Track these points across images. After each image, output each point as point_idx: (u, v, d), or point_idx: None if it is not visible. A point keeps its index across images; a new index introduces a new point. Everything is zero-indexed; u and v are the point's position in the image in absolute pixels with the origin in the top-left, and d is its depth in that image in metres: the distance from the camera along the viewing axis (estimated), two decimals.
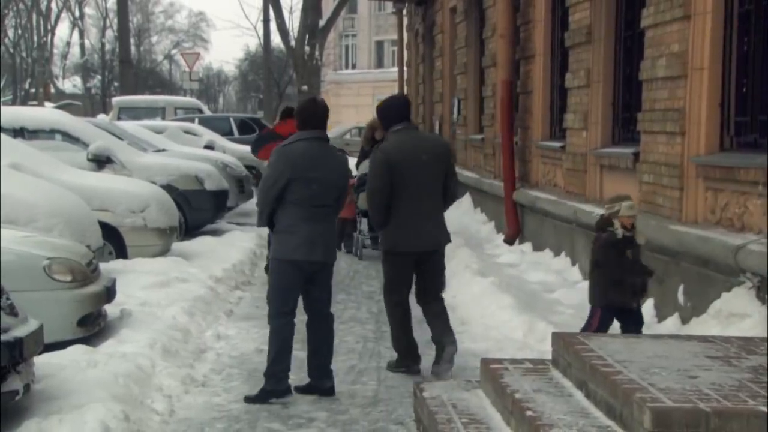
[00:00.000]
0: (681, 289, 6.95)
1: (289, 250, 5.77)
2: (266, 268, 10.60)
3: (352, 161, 9.99)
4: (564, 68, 10.40)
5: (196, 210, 12.59)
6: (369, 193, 6.44)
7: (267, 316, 5.98)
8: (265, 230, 12.07)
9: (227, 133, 22.65)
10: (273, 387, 5.78)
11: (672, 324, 6.86)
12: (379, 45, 59.39)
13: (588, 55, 9.40)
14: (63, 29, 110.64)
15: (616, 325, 6.45)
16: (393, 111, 6.51)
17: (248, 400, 5.79)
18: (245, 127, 24.59)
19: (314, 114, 5.88)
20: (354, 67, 60.52)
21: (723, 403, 3.76)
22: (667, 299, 7.15)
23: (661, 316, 7.21)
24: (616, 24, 9.11)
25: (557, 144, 10.58)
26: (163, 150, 14.94)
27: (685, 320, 6.78)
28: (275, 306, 5.88)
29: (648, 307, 7.34)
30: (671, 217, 7.23)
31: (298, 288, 5.88)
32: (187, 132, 19.37)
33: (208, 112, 29.14)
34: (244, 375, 6.45)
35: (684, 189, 7.08)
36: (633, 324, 6.19)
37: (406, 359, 6.50)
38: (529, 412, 4.24)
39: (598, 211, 8.75)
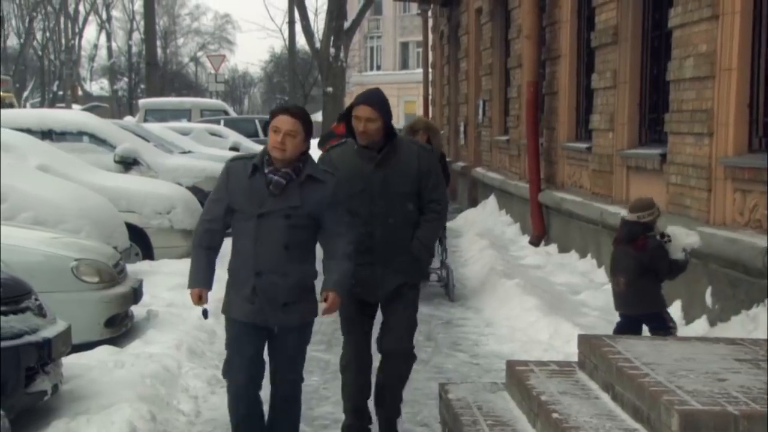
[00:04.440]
0: (709, 291, 6.89)
1: None
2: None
3: None
4: (590, 69, 10.35)
5: None
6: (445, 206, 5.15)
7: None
8: None
9: (252, 135, 22.76)
10: None
11: (700, 326, 6.81)
12: (404, 46, 59.41)
13: (614, 55, 9.35)
14: (90, 32, 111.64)
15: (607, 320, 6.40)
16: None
17: None
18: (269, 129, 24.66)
19: None
20: (379, 68, 60.57)
21: (751, 406, 3.72)
22: (695, 301, 7.09)
23: (688, 318, 7.16)
24: (643, 24, 9.06)
25: (583, 145, 10.53)
26: (189, 152, 15.04)
27: (712, 322, 6.73)
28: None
29: (676, 309, 7.29)
30: (699, 218, 7.17)
31: None
32: (213, 134, 19.48)
33: (233, 114, 29.29)
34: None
35: (712, 190, 7.03)
36: (662, 327, 6.15)
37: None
38: (555, 415, 4.22)
39: (626, 212, 8.71)
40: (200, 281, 4.46)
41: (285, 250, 4.32)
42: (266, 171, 4.33)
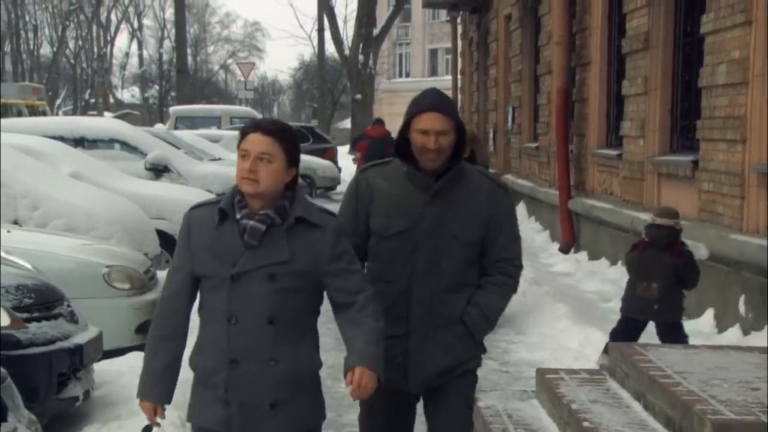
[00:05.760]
0: (742, 299, 6.82)
1: None
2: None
3: None
4: (621, 75, 10.30)
5: None
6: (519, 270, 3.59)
7: None
8: None
9: None
10: None
11: (733, 335, 6.74)
12: (433, 53, 59.43)
13: (646, 62, 9.29)
14: (122, 40, 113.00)
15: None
16: None
17: None
18: (299, 135, 24.69)
19: None
20: (408, 75, 60.61)
21: None
22: (728, 310, 7.02)
23: (721, 327, 7.09)
24: (674, 30, 8.99)
25: (614, 152, 10.47)
26: (219, 159, 15.11)
27: (746, 331, 6.66)
28: None
29: (708, 318, 7.24)
30: (732, 226, 7.10)
31: None
32: None
33: None
34: None
35: (745, 197, 6.96)
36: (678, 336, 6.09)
37: None
38: (585, 423, 4.19)
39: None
40: (154, 392, 3.25)
41: (270, 326, 3.01)
42: (238, 216, 3.02)
